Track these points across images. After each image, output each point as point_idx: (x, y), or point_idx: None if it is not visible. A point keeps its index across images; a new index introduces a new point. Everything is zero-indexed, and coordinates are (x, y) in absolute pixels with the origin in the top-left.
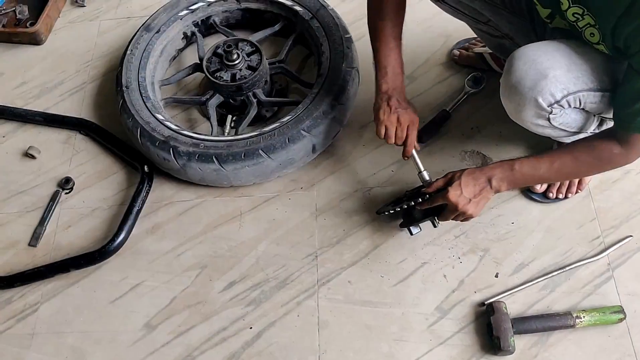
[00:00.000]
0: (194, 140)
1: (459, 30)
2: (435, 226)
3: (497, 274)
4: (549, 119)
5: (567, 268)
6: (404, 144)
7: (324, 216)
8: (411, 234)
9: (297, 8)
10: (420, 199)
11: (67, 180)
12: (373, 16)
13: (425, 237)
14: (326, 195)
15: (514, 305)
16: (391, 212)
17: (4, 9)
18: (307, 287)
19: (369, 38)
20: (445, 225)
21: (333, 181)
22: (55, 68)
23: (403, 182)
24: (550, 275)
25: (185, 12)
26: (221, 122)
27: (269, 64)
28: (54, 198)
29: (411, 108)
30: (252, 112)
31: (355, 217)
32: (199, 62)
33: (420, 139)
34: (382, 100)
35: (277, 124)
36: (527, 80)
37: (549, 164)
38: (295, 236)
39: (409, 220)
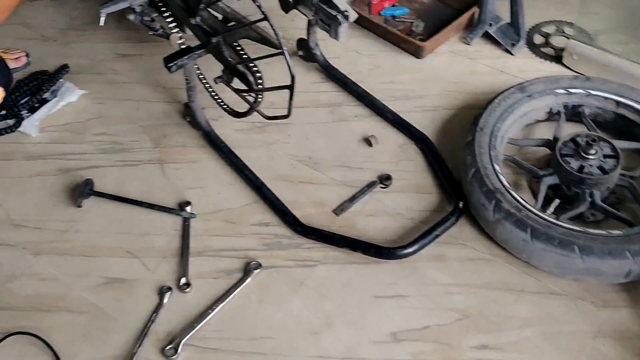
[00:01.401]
0: (518, 205)
1: None
2: None
3: None
4: None
5: None
6: None
7: (603, 341)
8: None
9: None
10: None
11: (388, 177)
12: None
13: None
14: (614, 322)
15: None
16: None
17: (405, 19)
18: None
19: None
20: None
21: (628, 315)
22: (423, 83)
23: None
24: None
25: (562, 91)
26: (545, 202)
27: (619, 174)
28: (370, 185)
29: None
30: (581, 209)
31: None
32: (551, 139)
33: None
34: None
35: (605, 232)
36: None
37: None
38: (565, 341)
39: None
